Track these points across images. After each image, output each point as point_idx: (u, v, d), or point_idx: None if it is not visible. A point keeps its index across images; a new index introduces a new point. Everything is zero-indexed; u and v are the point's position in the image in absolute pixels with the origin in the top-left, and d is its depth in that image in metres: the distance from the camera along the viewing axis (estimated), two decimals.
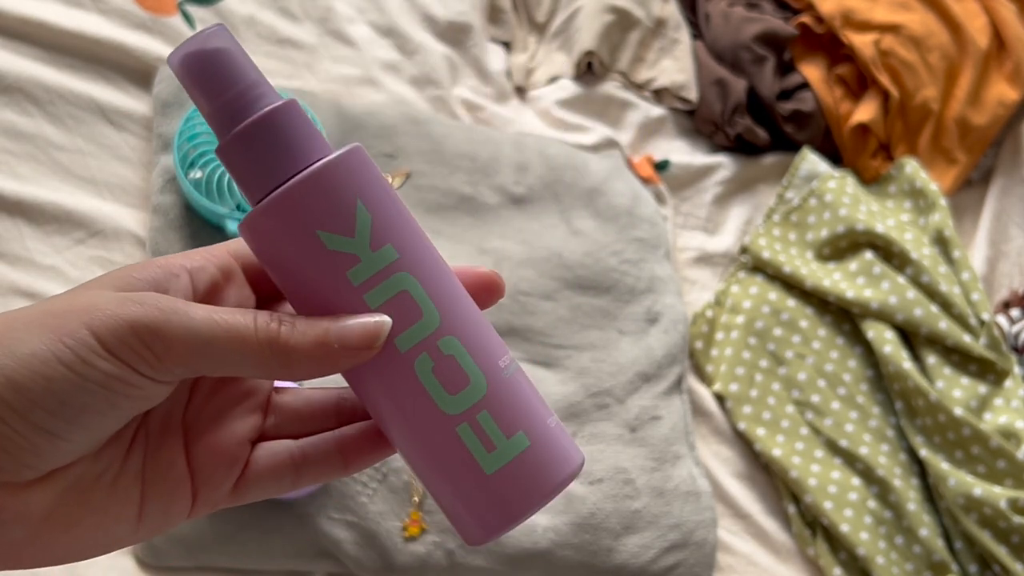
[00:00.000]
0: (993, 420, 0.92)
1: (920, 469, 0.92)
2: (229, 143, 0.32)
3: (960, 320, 0.96)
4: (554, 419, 0.34)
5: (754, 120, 1.10)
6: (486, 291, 0.35)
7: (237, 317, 0.30)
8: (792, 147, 1.11)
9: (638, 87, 1.12)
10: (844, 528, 0.87)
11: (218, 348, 0.30)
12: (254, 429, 0.34)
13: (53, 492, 0.30)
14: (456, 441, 0.32)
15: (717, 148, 1.12)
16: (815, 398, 0.94)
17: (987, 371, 0.95)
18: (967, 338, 0.95)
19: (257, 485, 0.34)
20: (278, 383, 0.36)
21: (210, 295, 0.32)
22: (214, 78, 0.32)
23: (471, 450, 0.32)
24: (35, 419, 0.28)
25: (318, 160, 0.32)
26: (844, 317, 0.99)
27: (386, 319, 0.32)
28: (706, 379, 0.97)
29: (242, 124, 0.31)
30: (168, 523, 0.32)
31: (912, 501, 0.89)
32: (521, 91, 1.09)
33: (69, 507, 0.30)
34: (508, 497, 0.32)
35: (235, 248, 0.34)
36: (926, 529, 0.87)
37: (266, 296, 0.35)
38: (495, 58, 1.08)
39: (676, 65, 1.12)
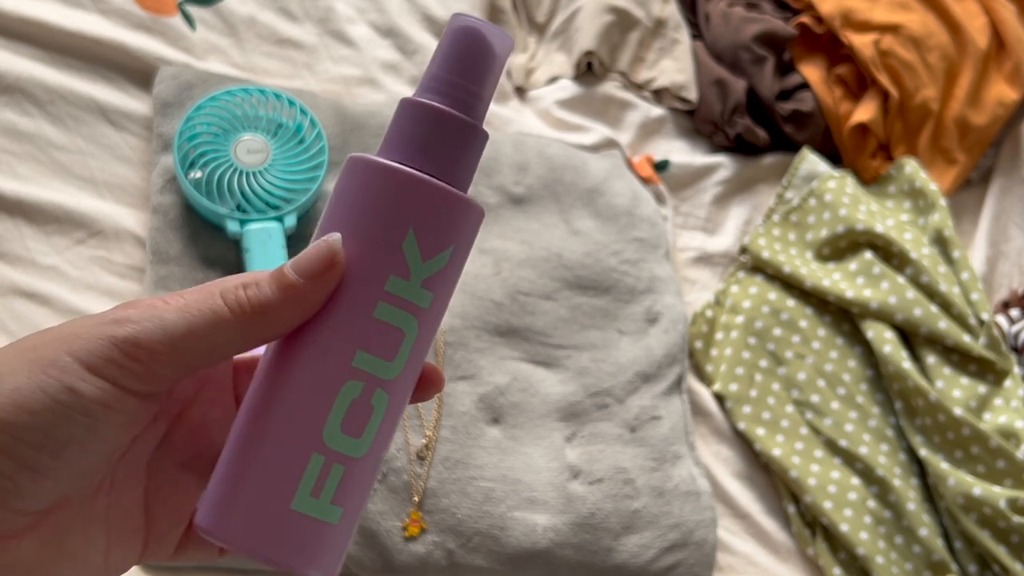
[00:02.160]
0: (993, 420, 0.92)
1: (920, 469, 0.92)
2: (434, 111, 0.32)
3: (960, 320, 0.96)
4: (356, 527, 0.34)
5: (754, 120, 1.10)
6: (427, 382, 0.35)
7: (206, 300, 0.30)
8: (792, 147, 1.11)
9: (638, 87, 1.12)
10: (844, 528, 0.87)
11: (198, 336, 0.30)
12: (204, 486, 0.35)
13: (37, 543, 0.30)
14: (302, 461, 0.31)
15: (717, 148, 1.12)
16: (815, 398, 0.94)
17: (987, 371, 0.95)
18: (967, 338, 0.95)
19: (195, 549, 0.34)
20: None
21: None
22: (479, 65, 0.33)
23: (303, 479, 0.31)
24: (19, 455, 0.28)
25: (462, 190, 0.33)
26: (844, 317, 0.99)
27: (335, 235, 0.31)
28: (706, 379, 0.97)
29: (462, 114, 0.33)
30: (123, 568, 0.33)
31: (912, 501, 0.89)
32: (521, 91, 1.09)
33: (49, 557, 0.30)
34: (281, 537, 0.31)
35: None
36: (926, 529, 0.87)
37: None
38: None
39: (676, 65, 1.13)
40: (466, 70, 0.33)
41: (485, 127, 0.34)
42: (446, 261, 0.32)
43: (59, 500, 0.30)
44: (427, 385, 0.35)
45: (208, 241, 0.81)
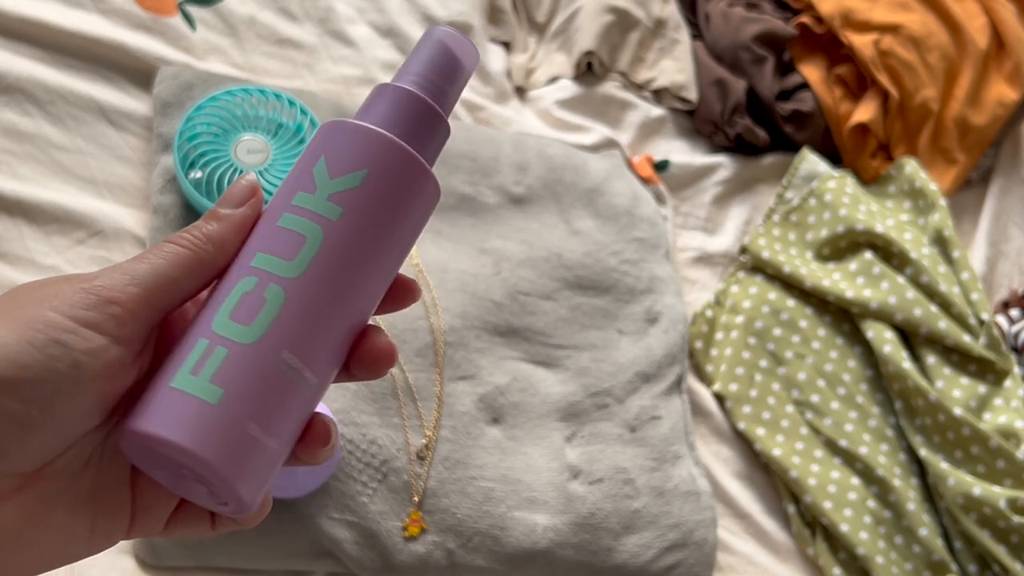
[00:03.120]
0: (992, 420, 0.92)
1: (920, 469, 0.92)
2: (397, 90, 0.37)
3: (960, 320, 0.96)
4: (267, 439, 0.33)
5: (754, 120, 1.10)
6: (402, 290, 0.37)
7: (161, 248, 0.34)
8: (792, 147, 1.11)
9: (638, 87, 1.12)
10: (844, 528, 0.87)
11: (162, 274, 0.33)
12: None
13: (20, 510, 0.31)
14: (191, 345, 0.33)
15: (717, 148, 1.12)
16: (815, 398, 0.94)
17: (987, 371, 0.95)
18: (967, 338, 0.95)
19: (184, 525, 0.36)
20: None
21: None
22: (443, 66, 0.38)
23: (186, 360, 0.33)
24: (8, 408, 0.29)
25: (407, 144, 0.36)
26: (844, 317, 0.99)
27: (251, 174, 0.36)
28: (706, 379, 0.97)
29: (424, 96, 0.37)
30: (110, 542, 0.34)
31: (912, 501, 0.89)
32: (521, 91, 1.09)
33: (35, 525, 0.31)
34: (159, 413, 0.32)
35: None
36: (925, 529, 0.87)
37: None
38: (495, 58, 1.08)
39: (676, 65, 1.13)
40: (436, 70, 0.38)
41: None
42: (358, 181, 0.35)
43: (45, 468, 0.31)
44: (402, 294, 0.37)
45: None
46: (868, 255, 1.00)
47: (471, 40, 0.38)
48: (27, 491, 0.31)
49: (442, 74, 0.38)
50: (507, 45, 1.11)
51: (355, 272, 0.35)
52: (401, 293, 0.37)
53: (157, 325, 0.34)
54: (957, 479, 0.87)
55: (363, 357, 0.35)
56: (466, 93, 1.03)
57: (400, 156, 0.36)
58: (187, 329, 0.34)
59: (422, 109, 0.37)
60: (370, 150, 0.35)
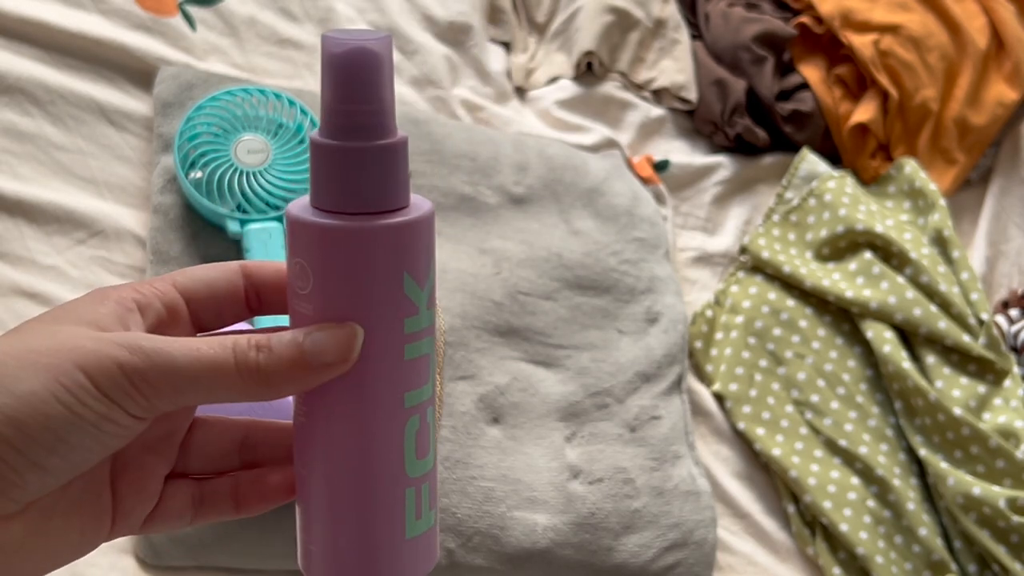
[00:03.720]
0: (992, 420, 0.92)
1: (919, 469, 0.93)
2: (350, 150, 0.32)
3: (959, 320, 0.96)
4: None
5: (753, 120, 1.10)
6: None
7: (217, 351, 0.32)
8: (792, 147, 1.11)
9: (638, 87, 1.12)
10: (843, 527, 0.87)
11: (202, 384, 0.32)
12: (170, 465, 0.36)
13: (25, 524, 0.31)
14: (400, 499, 0.34)
15: (717, 148, 1.12)
16: (814, 398, 0.94)
17: (986, 371, 0.95)
18: (966, 338, 0.95)
19: (163, 521, 0.36)
20: (238, 412, 0.39)
21: (154, 332, 0.34)
22: (361, 83, 0.32)
23: (406, 512, 0.34)
24: (32, 455, 0.30)
25: (422, 206, 0.33)
26: (843, 317, 0.99)
27: (358, 327, 0.32)
28: (706, 379, 0.97)
29: (372, 142, 0.32)
30: (93, 546, 0.34)
31: (911, 500, 0.89)
32: (521, 91, 1.09)
33: (36, 536, 0.32)
34: (412, 563, 0.35)
35: (181, 282, 0.35)
36: (925, 528, 0.87)
37: (205, 332, 0.37)
38: (495, 58, 1.08)
39: (676, 65, 1.13)
40: (358, 94, 0.32)
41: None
42: (432, 273, 0.34)
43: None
44: None
45: (208, 241, 0.81)
46: (868, 255, 1.00)
47: (369, 31, 0.32)
48: (31, 510, 0.31)
49: (366, 96, 0.32)
50: (507, 45, 1.11)
51: None
52: None
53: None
54: (957, 479, 0.87)
55: None
56: (466, 93, 1.03)
57: (433, 221, 0.34)
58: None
59: (399, 155, 0.33)
60: (427, 239, 0.33)
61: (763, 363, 0.96)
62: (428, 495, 0.35)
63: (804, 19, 1.14)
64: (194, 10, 0.94)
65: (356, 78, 0.31)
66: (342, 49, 0.31)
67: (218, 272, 0.36)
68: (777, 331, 0.98)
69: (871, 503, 0.89)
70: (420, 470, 0.35)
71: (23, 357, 0.30)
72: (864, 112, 1.09)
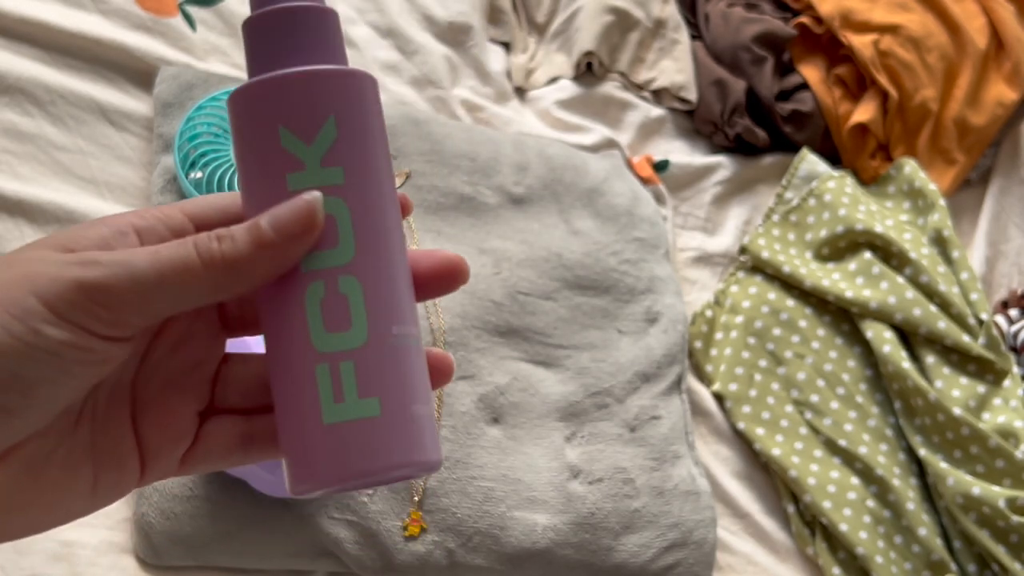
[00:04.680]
0: (992, 420, 0.92)
1: (919, 468, 0.93)
2: (259, 17, 0.32)
3: (959, 320, 0.96)
4: (424, 408, 0.32)
5: (753, 120, 1.10)
6: (448, 273, 0.34)
7: (178, 250, 0.30)
8: (791, 147, 1.12)
9: (637, 87, 1.12)
10: (843, 527, 0.87)
11: (168, 287, 0.29)
12: (202, 402, 0.34)
13: (6, 475, 0.29)
14: (311, 378, 0.31)
15: (716, 148, 1.12)
16: (814, 398, 0.94)
17: (986, 371, 0.95)
18: (966, 338, 0.95)
19: (205, 460, 0.34)
20: (229, 350, 0.36)
21: None
22: None
23: (320, 393, 0.31)
24: None
25: (320, 64, 0.32)
26: (843, 317, 0.99)
27: (316, 194, 0.31)
28: (705, 379, 0.97)
29: (280, 4, 0.32)
30: (120, 493, 0.32)
31: (911, 500, 0.89)
32: (521, 91, 1.09)
33: (24, 488, 0.30)
34: (332, 455, 0.31)
35: (190, 208, 0.33)
36: (925, 528, 0.87)
37: None
38: (495, 58, 1.08)
39: (675, 66, 1.13)
40: None
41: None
42: (334, 131, 0.32)
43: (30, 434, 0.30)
44: (449, 278, 0.34)
45: None
46: (867, 255, 1.00)
47: None
48: (10, 459, 0.29)
49: None
50: (507, 45, 1.11)
51: (391, 220, 0.33)
52: (450, 275, 0.34)
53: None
54: (956, 479, 0.87)
55: (431, 279, 0.34)
56: (466, 93, 1.04)
57: (347, 78, 0.32)
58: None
59: (306, 17, 0.32)
60: (323, 93, 0.32)
61: (763, 363, 0.96)
62: (354, 379, 0.31)
63: (804, 19, 1.15)
64: (194, 10, 0.94)
65: None
66: None
67: (232, 199, 0.34)
68: (777, 331, 0.98)
69: (871, 503, 0.89)
70: (335, 345, 0.31)
71: None
72: (864, 112, 1.10)
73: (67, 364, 0.29)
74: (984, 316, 0.98)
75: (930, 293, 0.97)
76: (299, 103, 0.32)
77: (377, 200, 0.33)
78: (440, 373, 0.34)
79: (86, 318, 0.28)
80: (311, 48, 0.32)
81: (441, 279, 0.34)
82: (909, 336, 0.97)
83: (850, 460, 0.91)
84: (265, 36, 0.32)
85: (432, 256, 0.34)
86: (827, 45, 1.15)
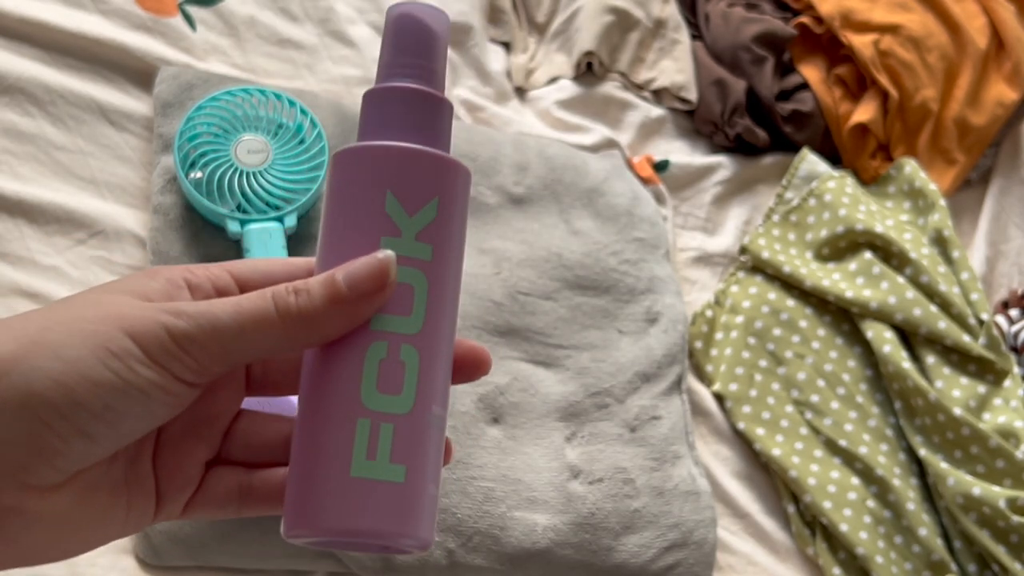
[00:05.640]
0: (992, 420, 0.92)
1: (919, 469, 0.93)
2: (387, 90, 0.35)
3: (959, 320, 0.96)
4: (436, 490, 0.34)
5: (753, 120, 1.10)
6: (474, 363, 0.36)
7: (257, 302, 0.32)
8: (792, 147, 1.11)
9: (638, 87, 1.12)
10: (843, 527, 0.87)
11: (247, 337, 0.31)
12: (212, 451, 0.36)
13: (71, 496, 0.31)
14: (350, 428, 0.32)
15: (717, 148, 1.12)
16: (814, 398, 0.94)
17: (986, 371, 0.95)
18: (966, 338, 0.95)
19: (203, 507, 0.36)
20: (244, 405, 0.38)
21: None
22: (417, 43, 0.35)
23: (355, 444, 0.32)
24: (78, 422, 0.29)
25: (437, 149, 0.34)
26: (843, 317, 0.99)
27: (390, 253, 0.33)
28: (706, 379, 0.97)
29: (409, 84, 0.35)
30: (140, 526, 0.34)
31: (911, 501, 0.89)
32: (521, 91, 1.09)
33: (82, 510, 0.32)
34: (347, 506, 0.32)
35: (236, 269, 0.35)
36: (925, 528, 0.87)
37: None
38: (495, 58, 1.08)
39: (676, 66, 1.13)
40: (411, 50, 0.35)
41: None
42: (435, 212, 0.34)
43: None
44: (473, 367, 0.36)
45: (209, 241, 0.81)
46: (868, 255, 1.00)
47: (433, 5, 0.36)
48: (76, 481, 0.31)
49: (423, 53, 0.35)
50: (507, 45, 1.11)
51: (455, 302, 0.35)
52: (473, 365, 0.36)
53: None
54: (957, 479, 0.87)
55: (463, 367, 0.36)
56: (466, 93, 1.03)
57: (459, 173, 0.35)
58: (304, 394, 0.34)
59: (432, 103, 0.35)
60: (433, 174, 0.34)
61: (763, 363, 0.96)
62: (391, 443, 0.32)
63: (804, 19, 1.14)
64: (194, 10, 0.94)
65: (426, 34, 0.35)
66: (403, 11, 0.35)
67: (279, 265, 0.36)
68: (777, 331, 0.98)
69: (871, 503, 0.89)
70: (382, 406, 0.32)
71: (70, 324, 0.30)
72: (864, 112, 1.09)
73: (152, 404, 0.31)
74: (984, 316, 0.98)
75: (930, 293, 0.97)
76: (413, 177, 0.34)
77: (451, 284, 0.35)
78: (478, 366, 0.36)
79: (173, 363, 0.31)
80: (429, 131, 0.35)
81: (466, 366, 0.36)
82: (909, 336, 0.97)
83: (850, 460, 0.91)
84: (388, 107, 0.35)
85: (463, 343, 0.36)
86: (827, 45, 1.15)
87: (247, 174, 0.80)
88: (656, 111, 1.10)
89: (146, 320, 0.30)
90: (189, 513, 0.36)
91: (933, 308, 0.96)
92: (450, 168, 0.35)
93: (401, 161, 0.34)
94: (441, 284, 0.34)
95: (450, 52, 1.05)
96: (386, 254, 0.33)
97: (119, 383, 0.30)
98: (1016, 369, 0.96)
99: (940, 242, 1.03)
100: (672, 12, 1.16)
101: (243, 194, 0.79)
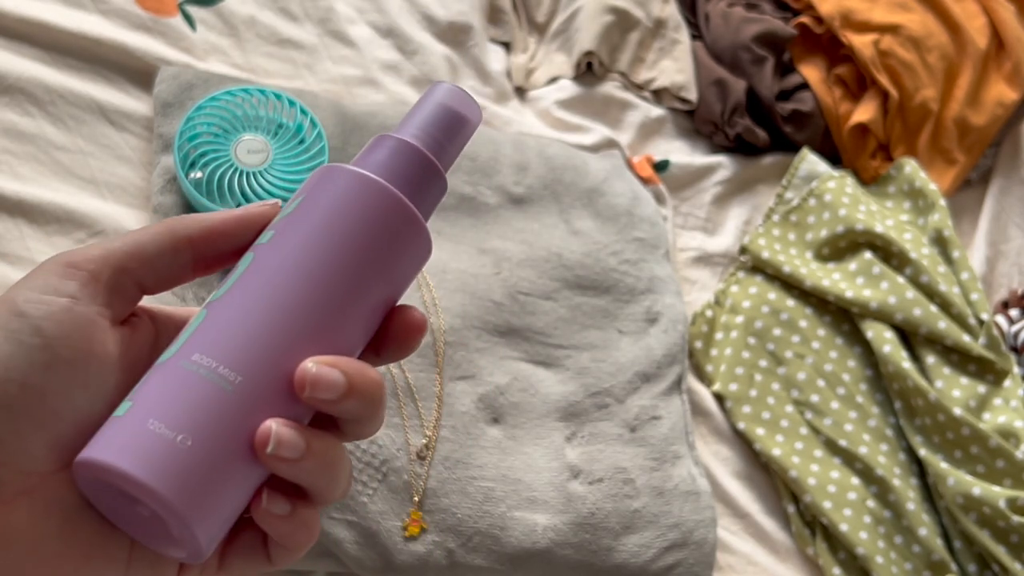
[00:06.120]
0: (992, 420, 0.92)
1: (919, 469, 0.93)
2: (385, 137, 0.37)
3: (959, 320, 0.96)
4: (161, 428, 0.31)
5: (753, 120, 1.10)
6: (408, 328, 0.35)
7: (156, 223, 0.34)
8: (792, 147, 1.11)
9: (638, 87, 1.12)
10: (843, 527, 0.87)
11: (135, 241, 0.33)
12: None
13: (28, 514, 0.29)
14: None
15: (717, 148, 1.12)
16: (814, 398, 0.94)
17: (986, 371, 0.95)
18: (966, 338, 0.95)
19: (241, 557, 0.34)
20: None
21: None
22: (452, 133, 0.37)
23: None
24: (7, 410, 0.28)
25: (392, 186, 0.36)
26: (843, 317, 0.99)
27: (273, 200, 0.37)
28: (706, 379, 0.97)
29: (418, 145, 0.36)
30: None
31: (911, 501, 0.89)
32: (521, 91, 1.09)
33: (52, 537, 0.29)
34: (97, 440, 0.31)
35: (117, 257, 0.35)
36: (925, 528, 0.87)
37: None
38: (495, 58, 1.08)
39: (676, 65, 1.13)
40: (439, 126, 0.37)
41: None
42: (292, 207, 0.35)
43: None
44: (408, 331, 0.35)
45: None
46: (868, 255, 1.00)
47: (473, 98, 0.38)
48: (35, 492, 0.30)
49: (444, 129, 0.37)
50: (507, 45, 1.11)
51: (292, 281, 0.33)
52: (406, 332, 0.35)
53: (136, 295, 0.33)
54: (957, 479, 0.87)
55: (390, 337, 0.35)
56: None
57: (393, 202, 0.35)
58: None
59: (414, 158, 0.36)
60: (321, 184, 0.35)
61: (763, 363, 0.96)
62: (139, 387, 0.32)
63: (804, 19, 1.14)
64: (194, 10, 0.94)
65: (455, 118, 0.37)
66: (451, 94, 0.38)
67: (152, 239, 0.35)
68: (777, 331, 0.98)
69: (871, 503, 0.89)
70: (159, 358, 0.33)
71: None
72: (864, 112, 1.10)
73: (51, 342, 0.29)
74: (984, 316, 0.98)
75: (930, 293, 0.97)
76: (311, 188, 0.36)
77: (285, 266, 0.34)
78: (413, 328, 0.35)
79: (58, 283, 0.30)
80: (389, 168, 0.36)
81: (402, 332, 0.35)
82: (909, 336, 0.97)
83: (850, 460, 0.91)
84: (373, 147, 0.37)
85: (401, 312, 0.35)
86: (827, 45, 1.15)
87: (247, 174, 0.80)
88: (656, 111, 1.10)
89: (41, 267, 0.31)
90: (227, 566, 0.33)
91: (933, 308, 0.96)
92: (343, 176, 0.35)
93: (320, 178, 0.36)
94: (267, 262, 0.34)
95: (450, 52, 1.05)
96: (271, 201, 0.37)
97: (11, 340, 0.29)
98: (1016, 369, 0.96)
99: (940, 242, 1.03)
100: (672, 12, 1.16)
101: (243, 194, 0.79)
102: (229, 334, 0.32)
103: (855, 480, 0.90)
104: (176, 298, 0.77)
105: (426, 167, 0.36)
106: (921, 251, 1.00)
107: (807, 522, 0.90)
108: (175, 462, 0.30)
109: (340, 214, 0.34)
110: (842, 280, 0.99)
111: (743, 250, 1.04)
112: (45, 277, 0.30)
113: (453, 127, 0.37)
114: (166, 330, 0.35)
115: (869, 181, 1.12)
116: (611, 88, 1.09)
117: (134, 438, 0.30)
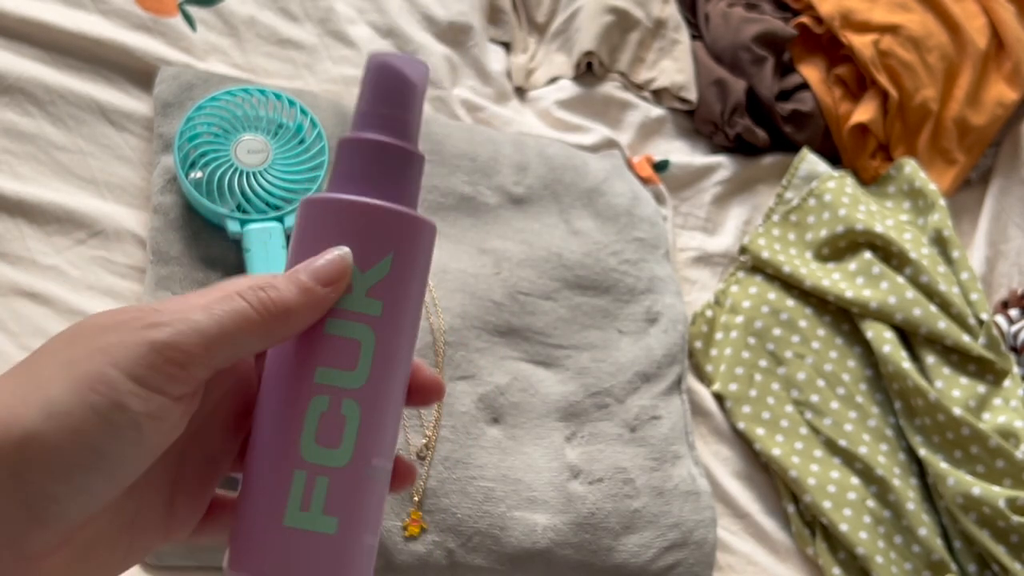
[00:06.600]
0: (992, 420, 0.92)
1: (919, 469, 0.93)
2: (355, 140, 0.35)
3: (959, 320, 0.96)
4: (373, 540, 0.35)
5: (753, 120, 1.10)
6: (427, 390, 0.37)
7: (229, 302, 0.32)
8: (791, 147, 1.11)
9: (638, 87, 1.12)
10: (843, 527, 0.87)
11: (227, 335, 0.31)
12: (224, 475, 0.36)
13: (66, 557, 0.30)
14: (287, 479, 0.33)
15: (717, 148, 1.12)
16: (814, 398, 0.94)
17: (986, 371, 0.95)
18: (966, 338, 0.95)
19: (213, 531, 0.36)
20: None
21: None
22: (393, 93, 0.36)
23: (290, 495, 0.33)
24: (73, 480, 0.28)
25: (400, 205, 0.35)
26: (843, 317, 0.99)
27: (345, 248, 0.34)
28: (705, 379, 0.97)
29: (391, 139, 0.35)
30: (141, 558, 0.34)
31: (911, 500, 0.89)
32: (521, 91, 1.09)
33: (75, 568, 0.31)
34: (279, 555, 0.33)
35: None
36: (925, 528, 0.87)
37: None
38: (495, 58, 1.08)
39: (675, 66, 1.13)
40: (386, 100, 0.36)
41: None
42: (388, 268, 0.34)
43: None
44: (426, 393, 0.37)
45: (209, 241, 0.81)
46: (868, 255, 1.00)
47: (413, 55, 0.37)
48: (75, 539, 0.30)
49: (398, 103, 0.36)
50: (507, 45, 1.11)
51: (406, 357, 0.35)
52: (426, 392, 0.37)
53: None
54: (956, 479, 0.87)
55: (413, 396, 0.37)
56: (466, 93, 1.04)
57: (415, 224, 0.35)
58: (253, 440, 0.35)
59: (401, 157, 0.35)
60: (391, 230, 0.35)
61: (763, 363, 0.96)
62: (325, 495, 0.33)
63: (804, 19, 1.14)
64: (194, 10, 0.94)
65: (403, 86, 0.36)
66: (382, 60, 0.36)
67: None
68: (777, 331, 0.98)
69: (871, 503, 0.89)
70: (319, 459, 0.33)
71: (54, 370, 0.29)
72: (864, 112, 1.10)
73: (143, 436, 0.30)
74: (984, 316, 0.98)
75: (930, 293, 0.97)
76: (368, 233, 0.34)
77: (402, 341, 0.35)
78: (431, 393, 0.37)
79: (162, 380, 0.30)
80: (393, 185, 0.35)
81: (420, 391, 0.37)
82: (909, 336, 0.97)
83: (850, 460, 0.91)
84: (356, 159, 0.35)
85: (420, 372, 0.37)
86: (827, 45, 1.15)
87: (247, 174, 0.80)
88: (656, 111, 1.10)
89: (127, 341, 0.29)
90: (197, 536, 0.36)
91: (933, 308, 0.96)
92: (409, 224, 0.35)
93: (358, 217, 0.34)
94: (390, 339, 0.34)
95: (450, 52, 1.05)
96: (340, 249, 0.34)
97: (104, 425, 0.28)
98: (1016, 369, 0.96)
99: (940, 242, 1.03)
100: (672, 12, 1.16)
101: (243, 194, 0.79)
102: (386, 429, 0.35)
103: (855, 480, 0.90)
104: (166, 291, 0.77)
105: (408, 159, 0.36)
106: (921, 251, 1.00)
107: (807, 522, 0.90)
108: (371, 564, 0.35)
109: (408, 265, 0.35)
110: (842, 280, 0.99)
111: (743, 250, 1.04)
112: (147, 364, 0.29)
113: (404, 96, 0.36)
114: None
115: (869, 181, 1.12)
116: (611, 88, 1.09)
117: (357, 559, 0.34)
